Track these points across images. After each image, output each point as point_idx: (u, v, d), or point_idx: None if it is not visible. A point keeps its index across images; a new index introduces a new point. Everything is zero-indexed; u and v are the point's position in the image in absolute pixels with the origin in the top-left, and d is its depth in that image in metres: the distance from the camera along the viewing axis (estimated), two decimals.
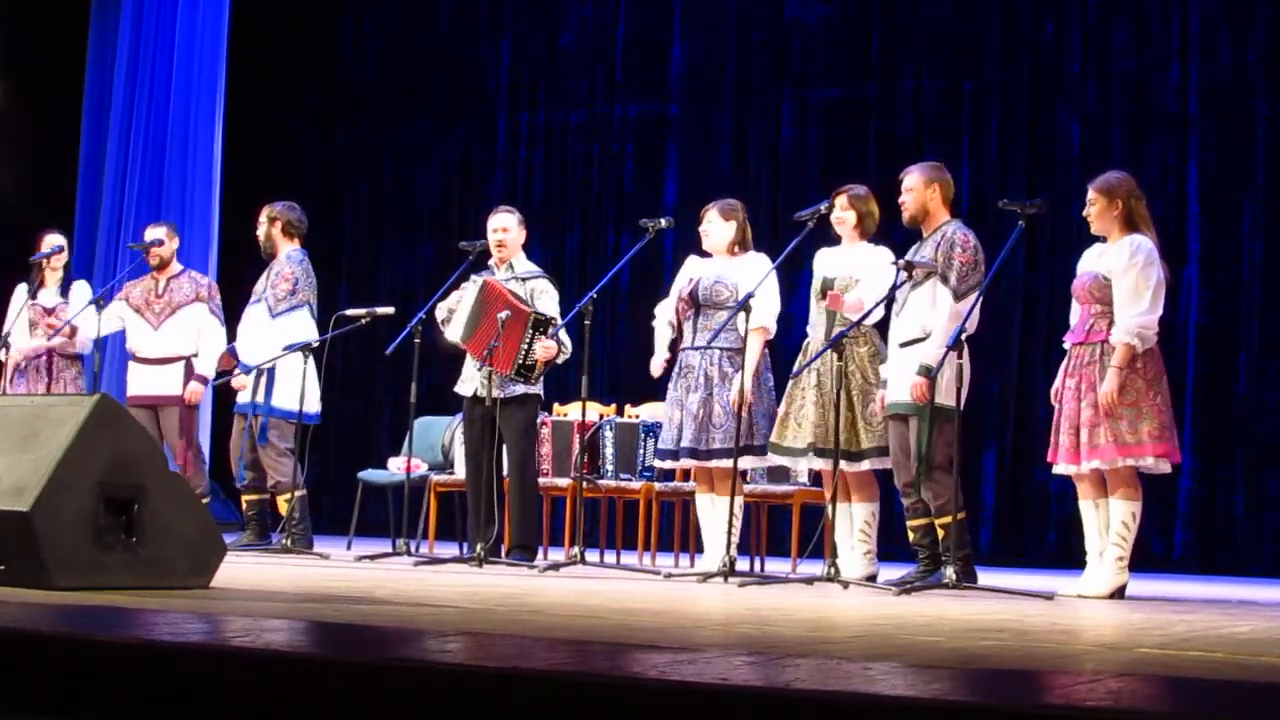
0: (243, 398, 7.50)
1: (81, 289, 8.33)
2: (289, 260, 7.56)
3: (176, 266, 8.05)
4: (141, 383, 7.89)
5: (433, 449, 8.72)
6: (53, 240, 8.34)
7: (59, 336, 7.91)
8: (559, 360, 6.83)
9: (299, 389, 7.21)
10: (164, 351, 7.87)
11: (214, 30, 12.04)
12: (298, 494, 7.35)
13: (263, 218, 7.66)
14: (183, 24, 12.04)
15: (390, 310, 7.38)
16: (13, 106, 11.69)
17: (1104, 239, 5.95)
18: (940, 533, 5.86)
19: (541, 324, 6.63)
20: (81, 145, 12.23)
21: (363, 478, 8.84)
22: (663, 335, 6.77)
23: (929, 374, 5.68)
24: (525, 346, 6.63)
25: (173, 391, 7.77)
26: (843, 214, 6.39)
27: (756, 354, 6.40)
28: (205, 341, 7.84)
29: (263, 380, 7.37)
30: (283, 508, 7.40)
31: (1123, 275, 5.74)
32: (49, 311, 8.14)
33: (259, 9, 12.25)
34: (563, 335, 6.83)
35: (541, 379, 6.90)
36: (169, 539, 4.14)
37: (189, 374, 7.78)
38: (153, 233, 8.06)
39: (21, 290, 8.30)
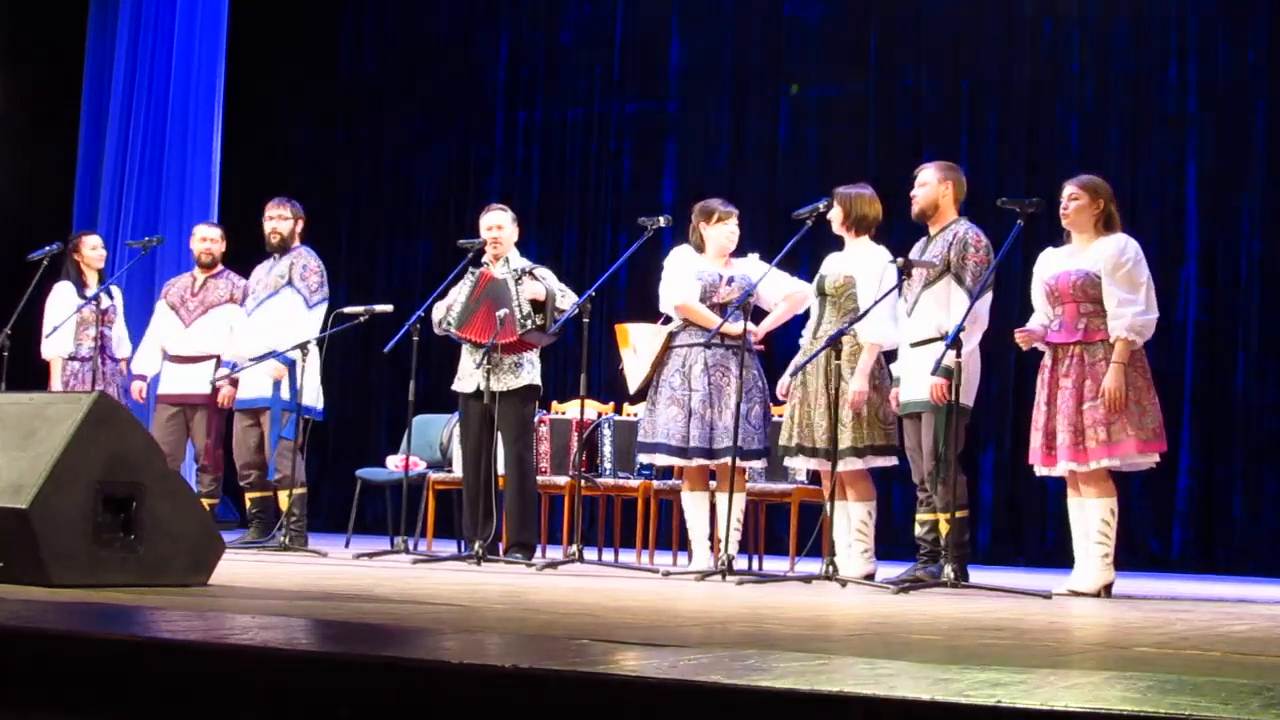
0: (258, 392, 7.50)
1: (117, 294, 8.37)
2: (311, 254, 7.69)
3: (219, 267, 8.12)
4: (172, 381, 7.92)
5: (431, 447, 8.72)
6: (91, 241, 8.43)
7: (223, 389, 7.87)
8: (560, 302, 6.84)
9: (311, 385, 7.39)
10: (193, 350, 7.90)
11: (213, 28, 12.03)
12: (299, 491, 7.39)
13: (288, 212, 7.71)
14: (181, 23, 12.03)
15: (389, 308, 7.39)
16: (11, 106, 11.68)
17: (1063, 240, 5.97)
18: (944, 529, 5.86)
19: (520, 275, 6.74)
20: (80, 145, 12.21)
21: (361, 476, 8.84)
22: (706, 313, 6.57)
23: (948, 373, 5.64)
24: (515, 299, 6.71)
25: (202, 390, 7.79)
26: (831, 212, 6.37)
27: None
28: (237, 342, 7.85)
29: (284, 375, 7.43)
30: (284, 502, 7.42)
31: (1115, 272, 5.76)
32: (104, 313, 8.15)
33: (258, 6, 12.24)
34: (552, 282, 6.86)
35: (528, 364, 6.91)
36: (167, 537, 4.14)
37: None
38: (206, 231, 8.18)
39: (64, 289, 8.29)
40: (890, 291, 6.04)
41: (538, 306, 6.88)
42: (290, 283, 7.57)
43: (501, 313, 6.75)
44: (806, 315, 6.55)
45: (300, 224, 7.75)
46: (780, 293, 6.61)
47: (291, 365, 7.36)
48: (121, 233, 11.63)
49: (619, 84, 11.30)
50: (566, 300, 6.91)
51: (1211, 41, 9.49)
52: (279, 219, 7.71)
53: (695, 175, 10.75)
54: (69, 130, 12.17)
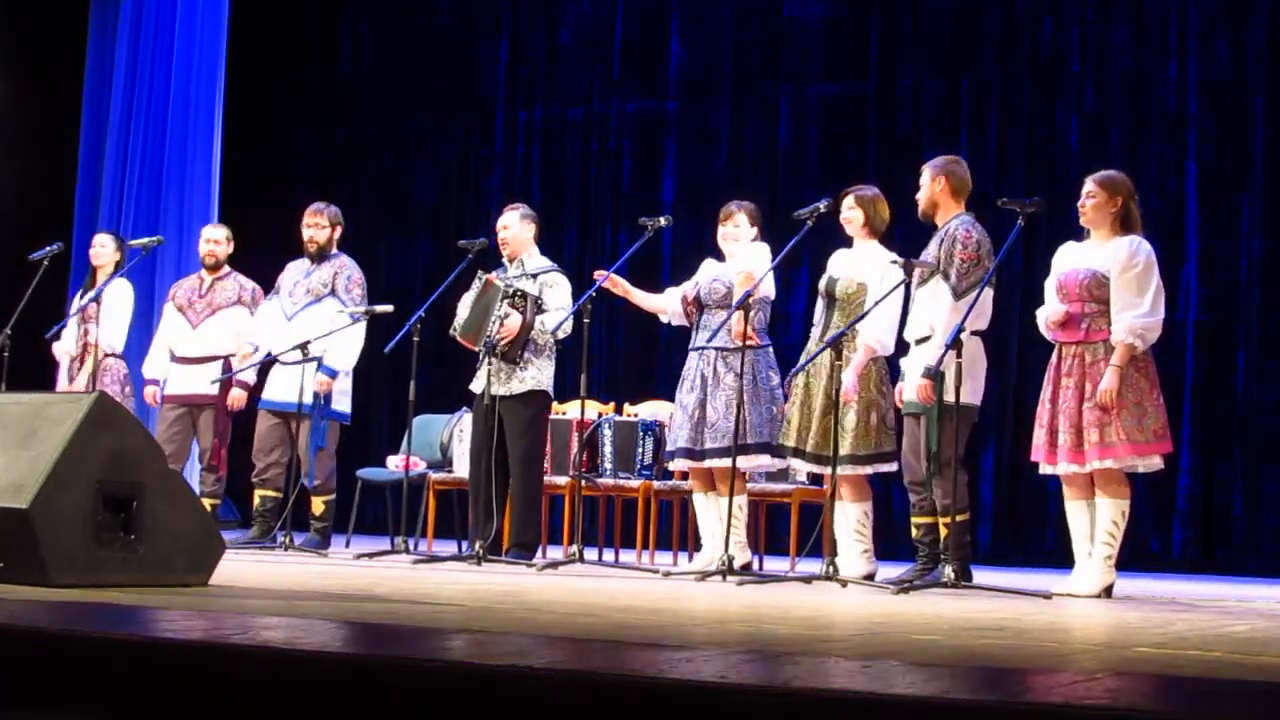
0: (290, 396, 7.49)
1: (119, 288, 8.33)
2: (353, 264, 7.81)
3: (225, 269, 8.16)
4: (179, 382, 7.95)
5: (431, 447, 8.72)
6: (94, 240, 8.49)
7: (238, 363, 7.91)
8: (541, 340, 6.85)
9: (343, 390, 7.58)
10: (200, 351, 7.94)
11: (213, 28, 12.03)
12: (330, 496, 7.61)
13: (324, 220, 7.79)
14: (182, 23, 12.03)
15: (389, 308, 7.40)
16: (12, 107, 11.68)
17: (1084, 236, 5.95)
18: (943, 531, 5.86)
19: (509, 296, 6.72)
20: (80, 145, 12.21)
21: (362, 476, 8.84)
22: (659, 298, 6.90)
23: (931, 375, 5.67)
24: (497, 319, 6.70)
25: (208, 391, 7.80)
26: (849, 214, 6.38)
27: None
28: (243, 345, 7.87)
29: (329, 387, 7.50)
30: (318, 508, 7.58)
31: (1123, 274, 5.72)
32: (84, 310, 8.17)
33: (257, 6, 12.24)
34: (548, 321, 6.85)
35: (533, 370, 6.89)
36: (167, 536, 4.14)
37: (226, 373, 7.82)
38: (211, 233, 8.24)
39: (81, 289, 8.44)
40: (890, 293, 6.04)
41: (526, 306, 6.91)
42: (334, 292, 7.62)
43: (501, 313, 6.77)
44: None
45: (338, 230, 7.85)
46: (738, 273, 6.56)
47: (334, 376, 7.46)
48: (122, 233, 11.62)
49: (619, 84, 11.30)
50: (552, 319, 6.89)
51: (1211, 40, 9.49)
52: (316, 227, 7.77)
53: (695, 175, 10.75)
54: (69, 130, 12.17)
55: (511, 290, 6.81)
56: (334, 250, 7.80)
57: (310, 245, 7.75)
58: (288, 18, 12.38)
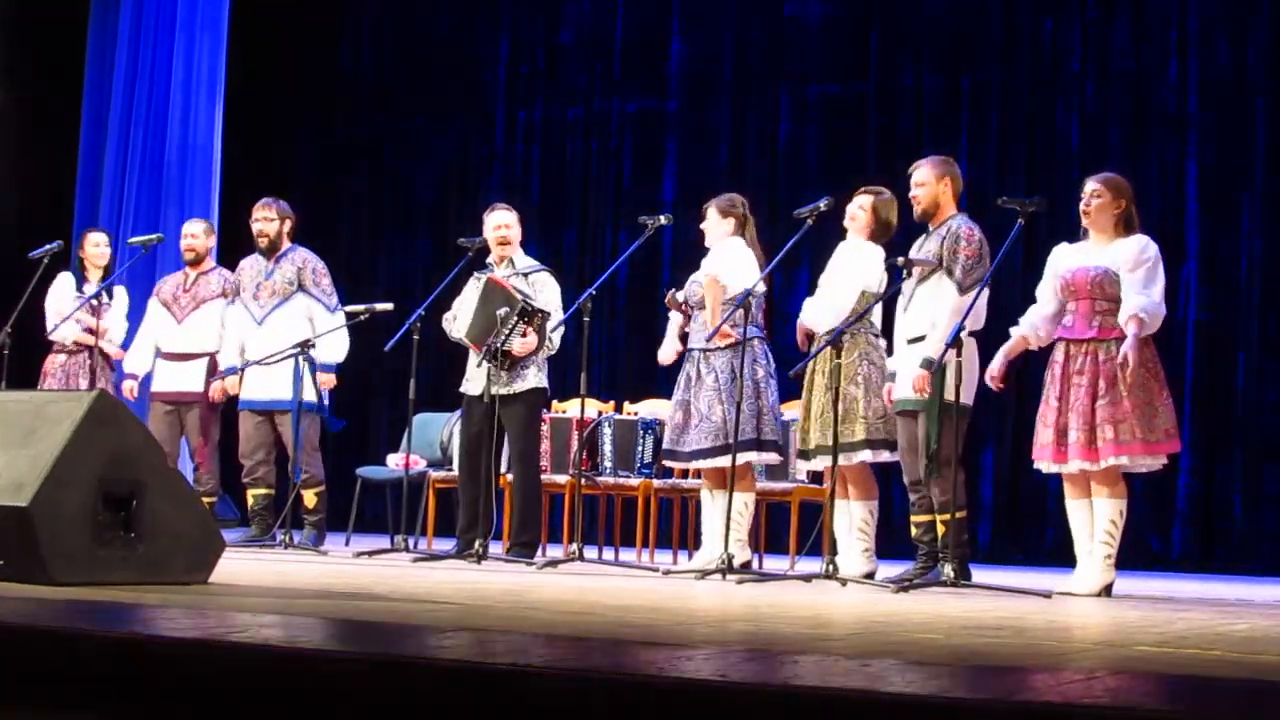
0: (274, 394, 7.49)
1: (120, 295, 8.34)
2: (312, 254, 7.78)
3: (209, 264, 8.15)
4: (166, 379, 7.95)
5: (431, 445, 8.73)
6: (93, 238, 8.49)
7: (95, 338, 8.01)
8: (540, 355, 6.87)
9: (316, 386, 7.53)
10: (186, 347, 7.94)
11: (213, 28, 12.02)
12: (320, 489, 7.60)
13: (273, 214, 7.74)
14: (182, 23, 12.02)
15: (389, 306, 7.41)
16: (12, 106, 11.68)
17: (1080, 237, 5.95)
18: (941, 529, 5.85)
19: (528, 314, 6.69)
20: (80, 144, 12.20)
21: (361, 474, 8.84)
22: (672, 325, 6.85)
23: (930, 367, 5.67)
24: (506, 333, 6.68)
25: (195, 388, 7.80)
26: (858, 210, 6.35)
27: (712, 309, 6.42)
28: (228, 338, 7.86)
29: (331, 383, 7.56)
30: (310, 501, 7.57)
31: (1134, 270, 5.73)
32: (94, 310, 8.16)
33: (258, 7, 12.24)
34: (554, 335, 6.85)
35: (533, 369, 6.90)
36: (167, 535, 4.14)
37: (212, 371, 7.81)
38: (189, 228, 8.24)
39: (65, 279, 8.37)
40: (891, 290, 6.04)
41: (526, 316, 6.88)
42: (303, 288, 7.62)
43: (502, 312, 6.74)
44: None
45: (289, 224, 7.80)
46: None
47: (335, 370, 7.56)
48: (122, 233, 11.61)
49: (619, 83, 11.30)
50: (547, 351, 6.91)
51: (1212, 41, 9.49)
52: (265, 220, 7.75)
53: (695, 174, 10.74)
54: (69, 130, 12.16)
55: (532, 308, 6.75)
56: (286, 244, 7.77)
57: (261, 240, 7.74)
58: (288, 18, 12.37)
